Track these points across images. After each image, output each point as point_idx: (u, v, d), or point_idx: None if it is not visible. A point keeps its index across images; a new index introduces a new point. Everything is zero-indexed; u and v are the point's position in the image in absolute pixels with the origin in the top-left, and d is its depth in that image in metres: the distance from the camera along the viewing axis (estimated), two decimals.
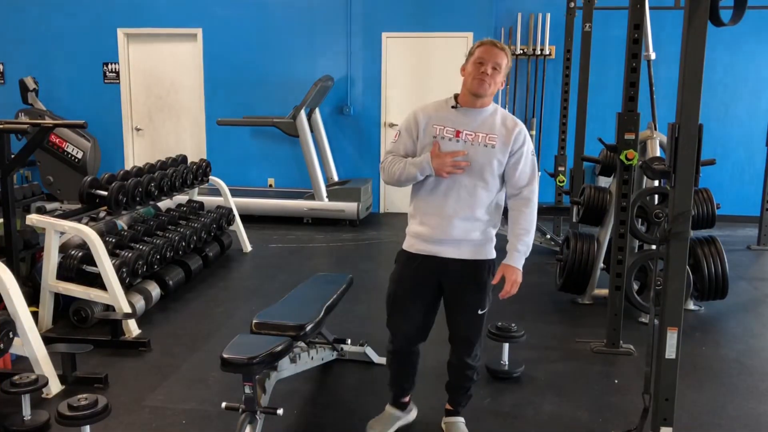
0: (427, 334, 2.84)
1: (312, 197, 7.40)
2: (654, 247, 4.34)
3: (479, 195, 2.60)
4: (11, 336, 3.17)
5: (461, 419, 2.96)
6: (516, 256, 2.64)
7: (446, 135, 2.59)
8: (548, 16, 7.61)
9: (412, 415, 3.06)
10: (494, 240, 2.72)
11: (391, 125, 7.78)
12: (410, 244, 2.73)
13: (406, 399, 3.02)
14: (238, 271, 5.75)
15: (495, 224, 2.70)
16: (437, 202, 2.62)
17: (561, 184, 6.54)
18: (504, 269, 2.66)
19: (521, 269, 2.66)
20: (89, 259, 4.12)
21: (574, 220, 5.63)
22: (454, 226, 2.61)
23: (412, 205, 2.73)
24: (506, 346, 3.59)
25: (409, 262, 2.72)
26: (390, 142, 2.74)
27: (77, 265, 4.13)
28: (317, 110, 7.67)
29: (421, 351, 2.92)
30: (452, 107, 2.64)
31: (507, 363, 3.58)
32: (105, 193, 4.66)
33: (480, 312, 2.73)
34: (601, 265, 4.82)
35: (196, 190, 6.32)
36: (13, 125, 4.20)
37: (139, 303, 4.32)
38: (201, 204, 6.17)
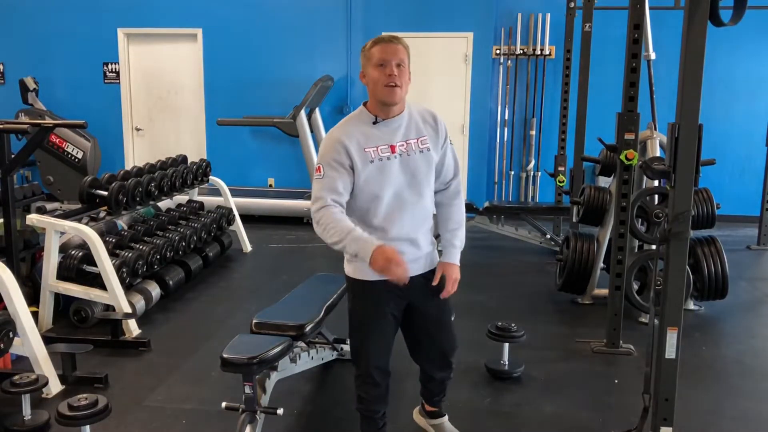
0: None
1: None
2: (654, 247, 4.34)
3: (427, 204, 2.47)
4: (11, 336, 3.17)
5: (445, 417, 2.93)
6: (454, 253, 2.52)
7: (382, 155, 2.34)
8: (548, 16, 7.61)
9: None
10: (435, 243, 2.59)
11: None
12: (365, 271, 2.38)
13: None
14: (238, 271, 5.75)
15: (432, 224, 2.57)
16: (399, 227, 2.40)
17: (561, 184, 6.54)
18: (443, 268, 2.49)
19: (459, 265, 2.54)
20: (89, 259, 4.12)
21: (574, 220, 5.63)
22: (415, 244, 2.45)
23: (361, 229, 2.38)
24: (506, 346, 3.58)
25: (377, 292, 2.44)
26: (315, 179, 2.34)
27: (77, 265, 4.13)
28: (317, 110, 7.67)
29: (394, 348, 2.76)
30: (373, 123, 2.38)
31: (507, 363, 3.58)
32: (105, 193, 4.67)
33: (452, 319, 2.65)
34: (601, 265, 4.82)
35: (196, 190, 6.32)
36: (13, 125, 4.20)
37: (139, 303, 4.32)
38: (201, 204, 6.17)
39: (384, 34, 2.40)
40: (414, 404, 3.17)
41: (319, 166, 2.34)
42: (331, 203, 2.31)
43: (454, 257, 2.53)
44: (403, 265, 2.21)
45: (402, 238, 2.42)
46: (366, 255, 2.19)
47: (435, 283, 2.50)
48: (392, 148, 2.36)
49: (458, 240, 2.54)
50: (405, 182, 2.39)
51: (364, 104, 2.45)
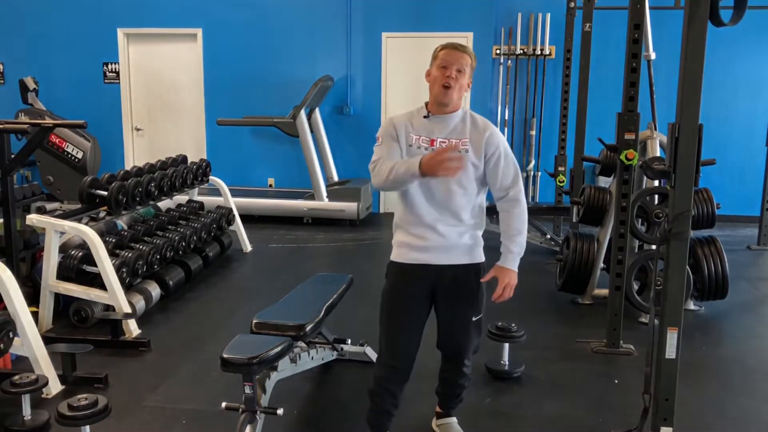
0: (419, 342, 2.71)
1: (312, 197, 7.40)
2: (654, 247, 4.34)
3: (458, 200, 2.57)
4: (11, 336, 3.16)
5: (454, 419, 2.96)
6: (510, 258, 2.60)
7: (422, 144, 2.56)
8: (548, 16, 7.62)
9: None
10: (482, 243, 2.67)
11: None
12: (400, 254, 2.65)
13: None
14: (238, 271, 5.75)
15: (481, 227, 2.66)
16: (422, 211, 2.57)
17: (561, 184, 6.54)
18: (497, 271, 2.61)
19: (516, 272, 2.61)
20: (89, 259, 4.12)
21: (574, 220, 5.62)
22: (442, 232, 2.57)
23: (397, 216, 2.67)
24: (506, 346, 3.59)
25: (403, 273, 2.64)
26: (375, 147, 2.62)
27: (77, 265, 4.13)
28: (317, 110, 7.67)
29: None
30: (424, 117, 2.60)
31: (507, 363, 3.58)
32: (105, 193, 4.67)
33: (474, 319, 2.69)
34: (601, 265, 4.82)
35: (196, 190, 6.32)
36: (13, 125, 4.20)
37: (139, 303, 4.32)
38: (201, 204, 6.17)
39: (455, 41, 2.62)
40: (414, 405, 3.18)
41: (378, 137, 2.62)
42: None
43: (510, 262, 2.60)
44: (447, 153, 2.39)
45: (425, 225, 2.57)
46: (415, 165, 2.40)
47: (484, 280, 2.64)
48: (431, 142, 2.56)
49: (516, 246, 2.61)
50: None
51: (426, 103, 2.64)
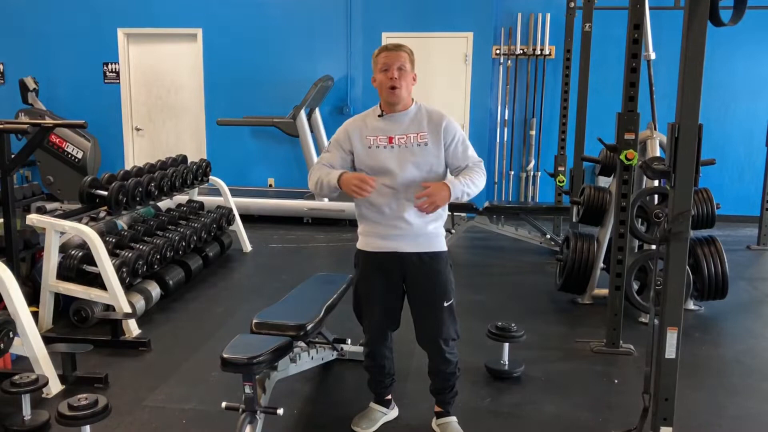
0: (398, 321, 2.89)
1: (312, 197, 7.40)
2: (654, 247, 4.34)
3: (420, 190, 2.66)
4: (11, 336, 3.17)
5: (453, 418, 2.97)
6: (456, 182, 2.62)
7: (380, 144, 2.69)
8: (548, 16, 7.62)
9: (395, 412, 3.11)
10: (444, 233, 2.81)
11: None
12: (366, 243, 2.80)
13: (389, 396, 3.10)
14: (238, 271, 5.75)
15: (442, 218, 2.79)
16: (387, 201, 2.69)
17: (561, 184, 6.53)
18: (435, 183, 2.62)
19: (449, 196, 2.59)
20: (89, 259, 4.12)
21: (574, 220, 5.62)
22: (406, 221, 2.69)
23: (363, 207, 2.77)
24: (506, 346, 3.58)
25: (369, 260, 2.80)
26: (323, 152, 2.80)
27: (77, 265, 4.13)
28: (317, 110, 7.67)
29: (395, 348, 3.03)
30: (379, 116, 2.73)
31: (507, 363, 3.58)
32: (105, 193, 4.67)
33: (446, 305, 2.76)
34: (601, 265, 4.82)
35: (196, 190, 6.32)
36: (13, 125, 4.20)
37: (139, 303, 4.32)
38: (201, 204, 6.17)
39: (389, 43, 2.73)
40: (414, 405, 3.18)
41: (329, 143, 2.80)
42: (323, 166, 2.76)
43: (452, 182, 2.63)
44: (363, 177, 2.58)
45: (394, 216, 2.70)
46: (335, 180, 2.62)
47: (424, 185, 2.63)
48: (390, 139, 2.69)
49: (465, 179, 2.64)
50: (399, 168, 2.67)
51: (379, 103, 2.76)
